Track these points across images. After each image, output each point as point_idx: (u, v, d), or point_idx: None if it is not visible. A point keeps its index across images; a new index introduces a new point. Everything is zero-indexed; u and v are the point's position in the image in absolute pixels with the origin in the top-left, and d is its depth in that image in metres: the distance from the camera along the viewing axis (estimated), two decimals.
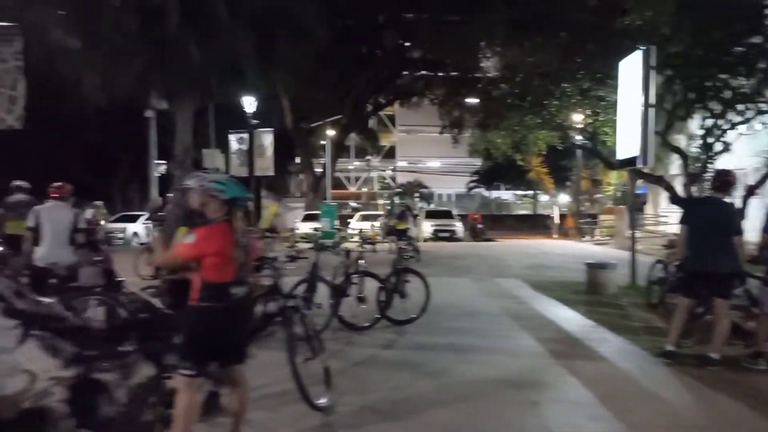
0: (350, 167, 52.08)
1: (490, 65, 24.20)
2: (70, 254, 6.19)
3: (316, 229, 19.69)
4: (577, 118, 21.54)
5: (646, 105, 9.20)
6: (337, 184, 37.85)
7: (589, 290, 9.63)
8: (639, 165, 9.58)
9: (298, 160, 32.01)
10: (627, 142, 10.15)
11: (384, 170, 54.16)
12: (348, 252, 7.82)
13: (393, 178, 52.94)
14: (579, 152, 24.83)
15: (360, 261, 7.47)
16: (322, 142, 32.49)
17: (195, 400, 3.20)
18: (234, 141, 21.22)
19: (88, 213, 10.60)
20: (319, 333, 5.08)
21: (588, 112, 20.56)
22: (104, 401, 2.65)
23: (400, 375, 5.27)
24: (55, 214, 6.23)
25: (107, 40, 5.47)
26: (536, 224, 34.07)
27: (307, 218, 23.75)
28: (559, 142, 23.44)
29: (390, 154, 53.40)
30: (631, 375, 5.31)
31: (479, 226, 28.42)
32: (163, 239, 3.52)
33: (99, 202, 17.73)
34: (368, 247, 8.17)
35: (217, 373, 3.44)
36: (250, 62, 5.79)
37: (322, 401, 4.31)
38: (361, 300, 7.24)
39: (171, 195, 13.66)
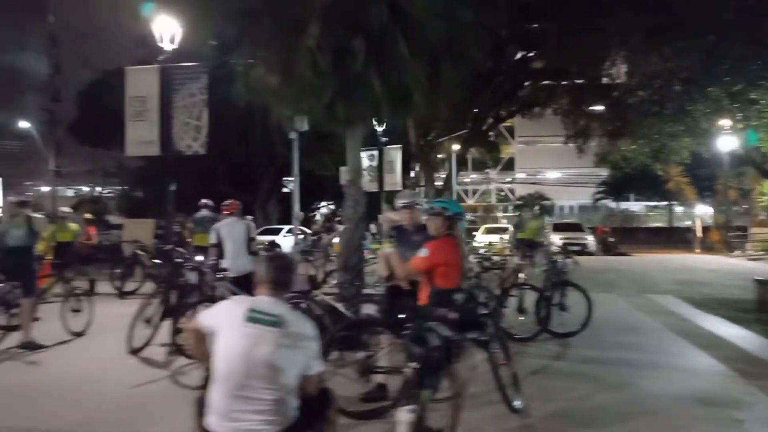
0: (467, 180, 52.00)
1: (620, 72, 23.14)
2: (249, 263, 6.78)
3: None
4: (725, 123, 20.02)
5: None
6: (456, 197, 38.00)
7: (761, 308, 8.98)
8: None
9: (412, 174, 32.67)
10: None
11: (502, 182, 53.44)
12: (503, 264, 8.03)
13: (512, 191, 52.07)
14: (726, 160, 22.92)
15: (519, 274, 7.65)
16: (439, 156, 32.91)
17: None
18: (365, 158, 22.29)
19: None
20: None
21: (738, 116, 19.04)
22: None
23: (580, 386, 5.38)
24: (232, 228, 7.05)
25: (301, 77, 6.26)
26: (672, 237, 31.80)
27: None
28: (704, 150, 21.86)
29: (509, 165, 52.62)
30: None
31: (610, 239, 27.21)
32: (397, 254, 4.01)
33: (249, 217, 19.44)
34: (526, 260, 8.31)
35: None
36: (420, 89, 6.30)
37: (517, 404, 4.57)
38: (521, 312, 7.42)
39: (321, 212, 14.65)
